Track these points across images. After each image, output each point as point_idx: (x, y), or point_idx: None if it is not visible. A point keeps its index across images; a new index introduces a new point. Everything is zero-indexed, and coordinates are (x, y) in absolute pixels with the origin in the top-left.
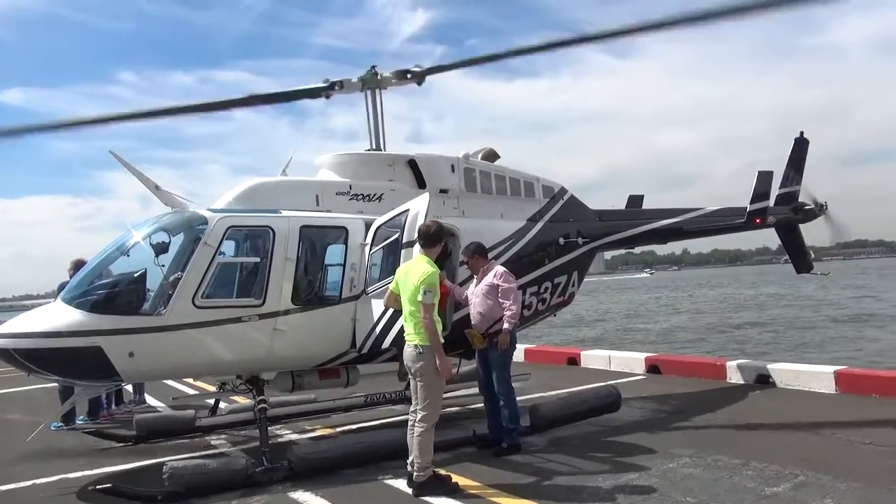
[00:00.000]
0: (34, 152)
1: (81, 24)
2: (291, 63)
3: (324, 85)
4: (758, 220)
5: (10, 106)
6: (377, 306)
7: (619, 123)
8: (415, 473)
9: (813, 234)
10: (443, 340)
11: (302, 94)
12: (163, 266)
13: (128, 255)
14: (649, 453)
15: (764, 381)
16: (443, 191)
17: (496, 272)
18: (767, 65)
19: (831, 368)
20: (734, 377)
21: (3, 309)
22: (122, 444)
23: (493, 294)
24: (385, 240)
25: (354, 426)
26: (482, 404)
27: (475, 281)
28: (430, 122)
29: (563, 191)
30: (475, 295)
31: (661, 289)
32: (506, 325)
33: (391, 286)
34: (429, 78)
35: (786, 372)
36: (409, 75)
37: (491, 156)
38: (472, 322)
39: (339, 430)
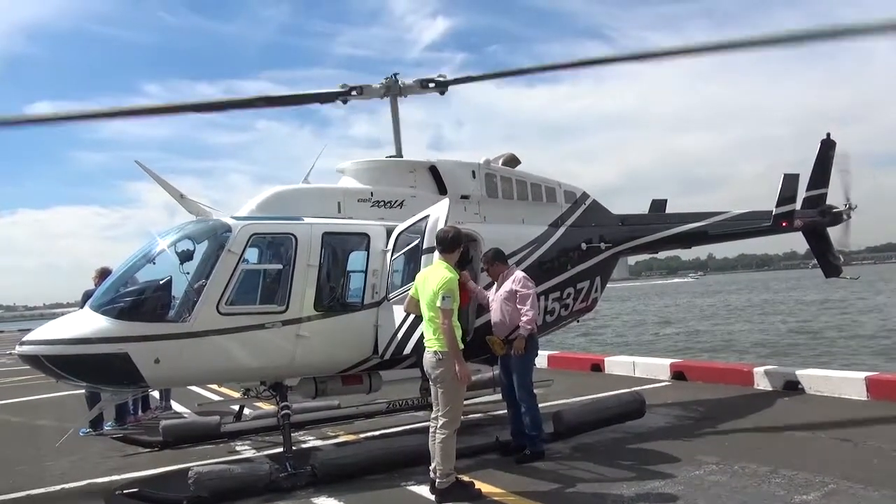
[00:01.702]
0: (62, 163)
1: (107, 37)
2: (312, 72)
3: (341, 90)
4: (784, 224)
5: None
6: (399, 312)
7: (640, 127)
8: (437, 480)
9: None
10: (462, 346)
11: (318, 97)
12: (187, 273)
13: (153, 263)
14: (674, 460)
15: (792, 387)
16: (464, 197)
17: (515, 277)
18: (790, 67)
19: (862, 374)
20: (762, 383)
21: (33, 317)
22: (148, 450)
23: (513, 300)
24: (406, 246)
25: (377, 432)
26: (505, 411)
27: (495, 287)
28: (450, 128)
29: (584, 195)
30: (495, 301)
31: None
32: (520, 331)
33: (411, 292)
34: (452, 87)
35: (815, 378)
36: (431, 84)
37: (512, 161)
38: (493, 328)
39: (361, 436)
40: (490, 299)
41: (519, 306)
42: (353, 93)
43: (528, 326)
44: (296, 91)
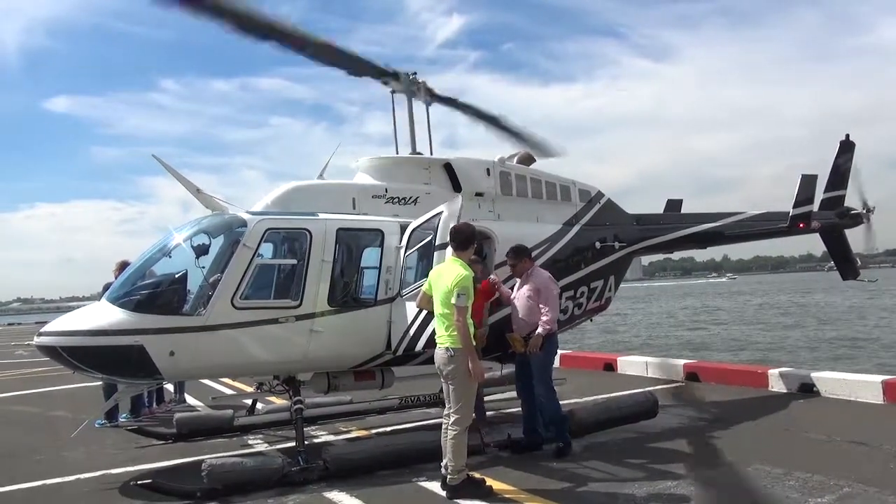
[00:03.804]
0: (79, 158)
1: (125, 33)
2: (327, 70)
3: (386, 68)
4: (801, 225)
5: (56, 113)
6: (412, 309)
7: (655, 128)
8: (448, 476)
9: (860, 239)
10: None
11: (367, 67)
12: (203, 267)
13: (169, 257)
14: (687, 461)
15: (808, 389)
16: (478, 194)
17: (540, 277)
18: (808, 67)
19: (879, 378)
20: (776, 385)
21: (49, 310)
22: (162, 442)
23: (536, 298)
24: (420, 242)
25: (389, 428)
26: (517, 408)
27: (518, 284)
28: (464, 126)
29: (599, 195)
30: (518, 298)
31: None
32: (539, 330)
33: (424, 287)
34: (457, 86)
35: (831, 380)
36: (431, 94)
37: (527, 159)
38: (514, 326)
39: (373, 431)
40: (512, 296)
41: (540, 305)
42: (391, 77)
43: (547, 326)
44: (346, 48)
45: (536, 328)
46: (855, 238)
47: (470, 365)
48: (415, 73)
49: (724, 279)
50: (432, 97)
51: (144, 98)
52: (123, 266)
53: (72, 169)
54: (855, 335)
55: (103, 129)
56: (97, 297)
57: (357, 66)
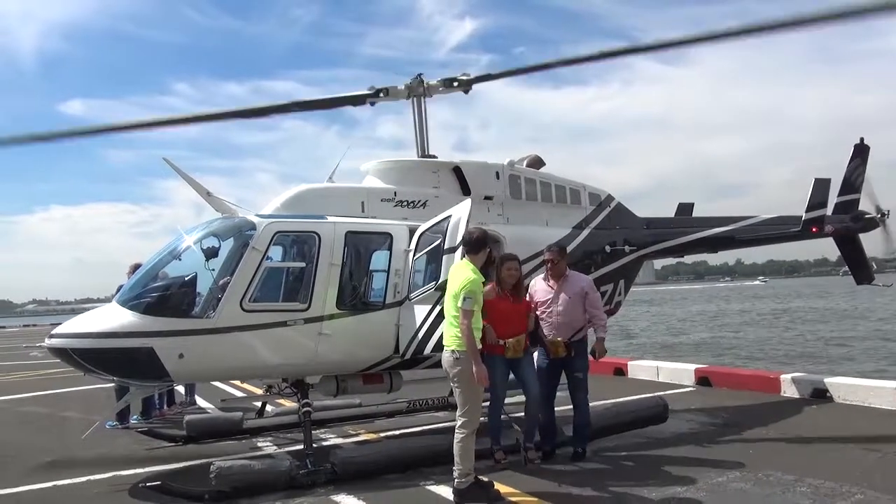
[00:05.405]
0: (94, 161)
1: (139, 37)
2: (339, 73)
3: (369, 92)
4: (814, 229)
5: (71, 116)
6: (420, 312)
7: (666, 131)
8: (456, 480)
9: (874, 244)
10: (480, 346)
11: (347, 100)
12: (213, 270)
13: (179, 259)
14: (697, 466)
15: (821, 395)
16: (487, 198)
17: (585, 280)
18: (820, 71)
19: (893, 383)
20: (789, 391)
21: (64, 312)
22: (172, 444)
23: (581, 302)
24: (428, 246)
25: (397, 432)
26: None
27: (555, 286)
28: (475, 130)
29: (609, 198)
30: (559, 302)
31: None
32: (601, 335)
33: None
34: (476, 85)
35: (844, 386)
36: (455, 83)
37: (536, 163)
38: (555, 329)
39: (382, 435)
40: (544, 297)
41: (593, 310)
42: (381, 94)
43: (606, 330)
44: (326, 94)
45: (577, 333)
46: (869, 242)
47: (474, 368)
48: (420, 75)
49: (756, 282)
50: (454, 85)
51: (157, 101)
52: (137, 268)
53: (86, 171)
54: (869, 339)
55: (117, 132)
56: (112, 299)
57: (350, 101)
